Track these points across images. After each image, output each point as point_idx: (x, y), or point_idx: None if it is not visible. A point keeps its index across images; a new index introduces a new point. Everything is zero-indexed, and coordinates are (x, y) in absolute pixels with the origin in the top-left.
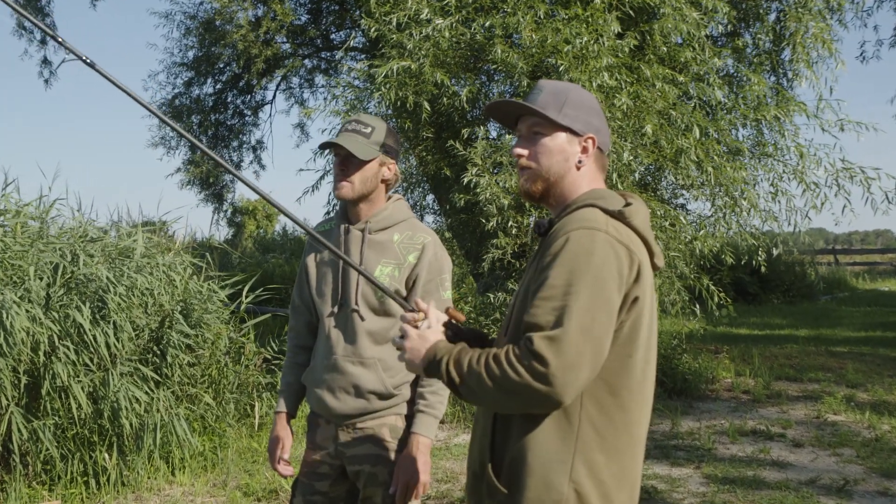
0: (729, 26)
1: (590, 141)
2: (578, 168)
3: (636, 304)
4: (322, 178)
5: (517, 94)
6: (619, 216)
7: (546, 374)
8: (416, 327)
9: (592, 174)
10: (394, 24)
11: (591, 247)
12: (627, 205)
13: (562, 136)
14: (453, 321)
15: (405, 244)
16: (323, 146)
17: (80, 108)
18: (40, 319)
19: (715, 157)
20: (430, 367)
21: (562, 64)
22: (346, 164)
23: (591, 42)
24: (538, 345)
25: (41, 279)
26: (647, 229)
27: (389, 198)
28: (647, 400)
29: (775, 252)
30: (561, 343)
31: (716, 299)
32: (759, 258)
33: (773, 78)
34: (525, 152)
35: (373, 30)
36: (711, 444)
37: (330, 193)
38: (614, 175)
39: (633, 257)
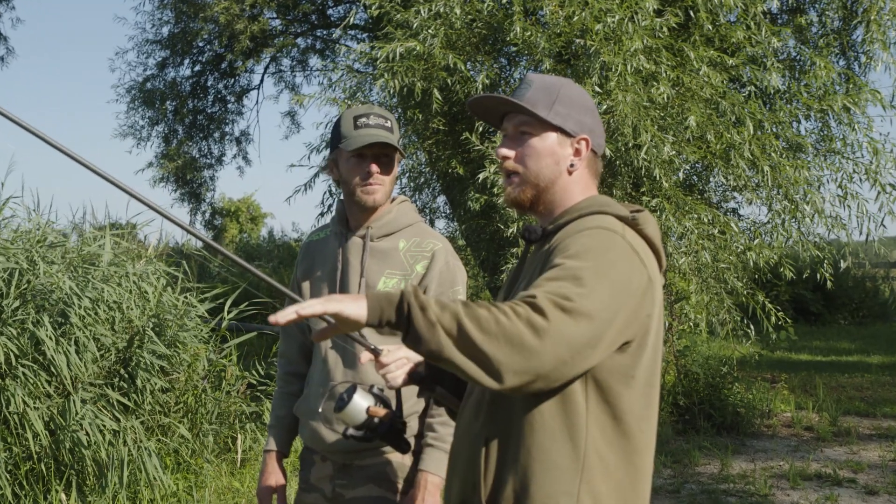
0: (790, 1)
1: (583, 142)
2: (570, 173)
3: (644, 322)
4: (316, 175)
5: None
6: (631, 223)
7: (542, 328)
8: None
9: (586, 180)
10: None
11: (609, 245)
12: (637, 212)
13: (552, 137)
14: (375, 418)
15: (412, 252)
16: (368, 147)
17: (45, 90)
18: None
19: (772, 154)
20: (375, 306)
21: (592, 45)
22: (380, 163)
23: (626, 19)
24: (542, 300)
25: None
26: (659, 240)
27: (393, 199)
28: (651, 428)
29: (843, 265)
30: (567, 312)
31: (773, 319)
32: (824, 272)
33: (842, 62)
34: (511, 154)
35: (374, 6)
36: (768, 489)
37: (325, 193)
38: (657, 171)
39: (644, 272)
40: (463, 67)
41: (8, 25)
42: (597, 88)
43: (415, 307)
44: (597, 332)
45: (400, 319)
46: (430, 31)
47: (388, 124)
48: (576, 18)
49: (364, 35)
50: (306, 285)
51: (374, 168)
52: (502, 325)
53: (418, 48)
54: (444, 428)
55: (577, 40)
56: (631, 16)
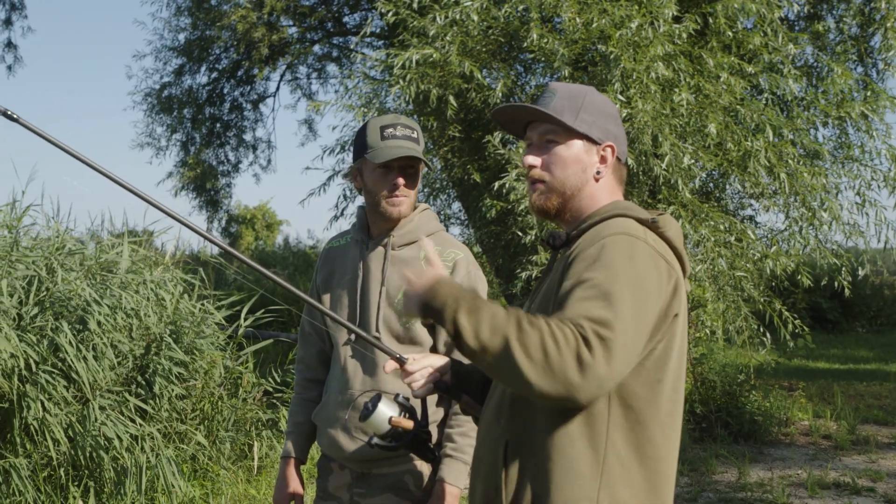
0: (807, 7)
1: (608, 150)
2: (597, 180)
3: (673, 323)
4: (331, 178)
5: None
6: (652, 226)
7: (589, 365)
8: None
9: (612, 186)
10: (415, 5)
11: (632, 253)
12: (659, 215)
13: (578, 145)
14: (400, 429)
15: None
16: (390, 161)
17: (55, 100)
18: (14, 342)
19: (789, 161)
20: (427, 303)
21: (612, 52)
22: (406, 175)
23: (646, 24)
24: (590, 332)
25: (12, 296)
26: (681, 243)
27: (415, 207)
28: (675, 434)
29: (861, 272)
30: (609, 346)
31: (790, 327)
32: (842, 279)
33: (859, 68)
34: (538, 162)
35: (390, 13)
36: (786, 497)
37: (339, 196)
38: (678, 180)
39: (672, 272)
40: (479, 75)
41: (18, 34)
42: (619, 97)
43: (450, 328)
44: (633, 355)
45: (445, 325)
46: (447, 38)
47: (415, 135)
48: (594, 25)
49: (380, 42)
50: (326, 292)
51: (401, 181)
52: (551, 358)
53: (435, 55)
54: (463, 439)
55: (600, 46)
56: (651, 21)
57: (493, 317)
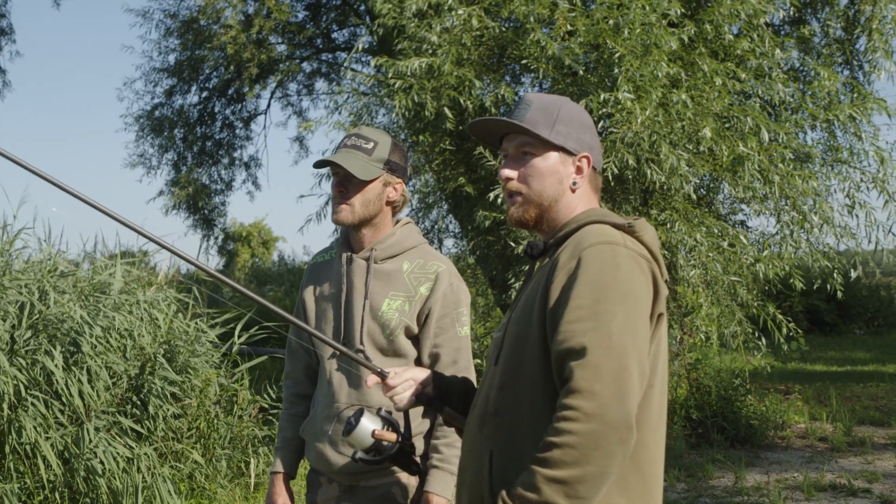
0: (792, 10)
1: (584, 160)
2: (573, 190)
3: (660, 324)
4: (327, 203)
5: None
6: (629, 230)
7: (598, 408)
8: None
9: (588, 196)
10: (412, 11)
11: (615, 261)
12: (635, 220)
13: (554, 157)
14: (384, 441)
15: (416, 274)
16: (318, 164)
17: (45, 121)
18: (4, 367)
19: (780, 165)
20: None
21: (617, 50)
22: (344, 184)
23: (656, 25)
24: (579, 378)
25: (4, 320)
26: (658, 248)
27: (397, 221)
28: (663, 437)
29: (854, 274)
30: (605, 370)
31: (784, 331)
32: (835, 282)
33: (846, 71)
34: (514, 174)
35: (388, 17)
36: (783, 501)
37: None
38: (677, 184)
39: (654, 271)
40: (479, 83)
41: (6, 58)
42: (627, 94)
43: None
44: (640, 360)
45: None
46: (446, 45)
47: (368, 146)
48: (597, 25)
49: (369, 58)
50: (311, 307)
51: (337, 189)
52: (580, 446)
53: (436, 63)
54: (449, 450)
55: (609, 42)
56: (656, 22)
57: (523, 484)
